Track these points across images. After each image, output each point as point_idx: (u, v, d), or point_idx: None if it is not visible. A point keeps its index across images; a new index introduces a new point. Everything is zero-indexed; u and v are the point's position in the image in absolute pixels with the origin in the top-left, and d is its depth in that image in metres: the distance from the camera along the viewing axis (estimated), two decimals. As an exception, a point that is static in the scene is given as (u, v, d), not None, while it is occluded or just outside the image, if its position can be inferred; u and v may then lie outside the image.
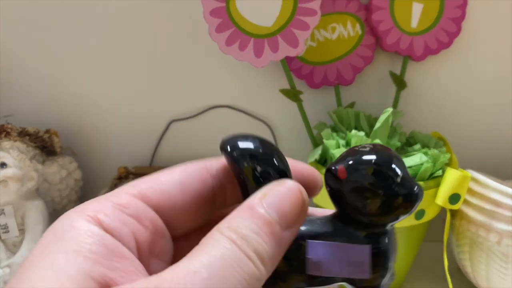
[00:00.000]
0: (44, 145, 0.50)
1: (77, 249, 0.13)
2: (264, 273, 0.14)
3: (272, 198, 0.15)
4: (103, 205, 0.15)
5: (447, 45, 0.51)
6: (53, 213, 0.52)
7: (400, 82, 0.51)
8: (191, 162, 0.18)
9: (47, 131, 0.50)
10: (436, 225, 0.49)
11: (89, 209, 0.15)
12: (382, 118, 0.42)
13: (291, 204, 0.15)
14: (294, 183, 0.16)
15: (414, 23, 0.50)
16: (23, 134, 0.48)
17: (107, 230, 0.14)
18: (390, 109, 0.42)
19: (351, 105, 0.53)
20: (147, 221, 0.15)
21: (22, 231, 0.47)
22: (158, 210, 0.16)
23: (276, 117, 0.55)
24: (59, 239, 0.14)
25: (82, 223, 0.14)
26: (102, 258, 0.13)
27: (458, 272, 0.49)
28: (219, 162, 0.18)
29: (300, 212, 0.15)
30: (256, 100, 0.55)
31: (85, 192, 0.56)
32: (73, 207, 0.55)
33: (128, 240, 0.14)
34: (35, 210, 0.47)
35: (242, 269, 0.13)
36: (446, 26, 0.50)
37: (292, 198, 0.15)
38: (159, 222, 0.16)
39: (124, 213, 0.15)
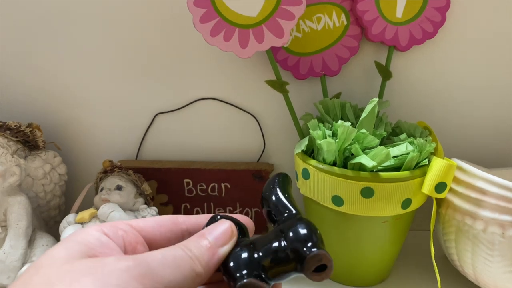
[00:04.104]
0: (27, 140, 0.49)
1: (81, 242, 0.23)
2: (201, 270, 0.23)
3: (212, 230, 0.25)
4: (107, 225, 0.25)
5: (432, 34, 0.51)
6: (37, 208, 0.51)
7: (385, 72, 0.51)
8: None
9: (29, 125, 0.49)
10: (422, 214, 0.49)
11: (100, 226, 0.25)
12: (368, 108, 0.42)
13: (222, 233, 0.25)
14: (228, 222, 0.26)
15: (399, 12, 0.50)
16: (3, 128, 0.47)
17: (106, 234, 0.24)
18: (376, 99, 0.42)
19: (337, 95, 0.52)
20: (132, 235, 0.25)
21: (4, 227, 0.46)
22: (141, 232, 0.26)
23: (263, 108, 0.55)
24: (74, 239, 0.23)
25: (92, 231, 0.24)
26: (96, 246, 0.22)
27: (444, 260, 0.49)
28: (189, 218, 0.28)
29: (229, 238, 0.25)
30: (242, 92, 0.54)
31: (70, 186, 0.56)
32: (58, 202, 0.54)
33: (117, 241, 0.24)
34: (18, 206, 0.46)
35: (186, 263, 0.22)
36: (431, 16, 0.50)
37: (225, 230, 0.25)
38: (141, 238, 0.26)
39: (118, 228, 0.25)
